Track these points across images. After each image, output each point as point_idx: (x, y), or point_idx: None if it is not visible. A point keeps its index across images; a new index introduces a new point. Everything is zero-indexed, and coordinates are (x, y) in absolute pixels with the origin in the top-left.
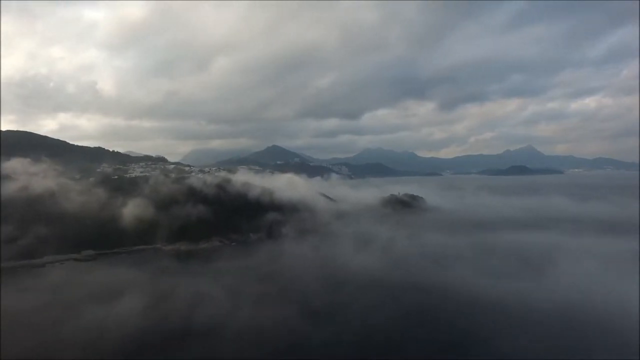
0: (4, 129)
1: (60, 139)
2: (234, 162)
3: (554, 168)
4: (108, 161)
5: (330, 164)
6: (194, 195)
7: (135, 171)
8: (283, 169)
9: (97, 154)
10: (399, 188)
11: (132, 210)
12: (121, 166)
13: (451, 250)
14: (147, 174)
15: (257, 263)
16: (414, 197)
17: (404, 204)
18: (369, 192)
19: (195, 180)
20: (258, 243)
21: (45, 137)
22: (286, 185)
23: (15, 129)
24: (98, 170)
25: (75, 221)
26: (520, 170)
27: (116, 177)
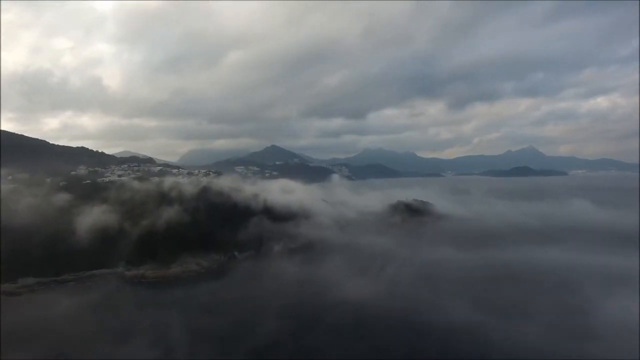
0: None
1: (40, 138)
2: (231, 162)
3: (557, 169)
4: (87, 163)
5: (330, 165)
6: (170, 203)
7: (113, 174)
8: (282, 169)
9: (77, 155)
10: (404, 192)
11: (91, 223)
12: (99, 168)
13: (459, 271)
14: (125, 178)
15: (231, 292)
16: (423, 203)
17: (413, 211)
18: (374, 197)
19: (175, 184)
20: (243, 264)
21: (21, 136)
22: (281, 191)
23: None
24: (72, 173)
25: (16, 239)
26: (523, 171)
27: (88, 181)
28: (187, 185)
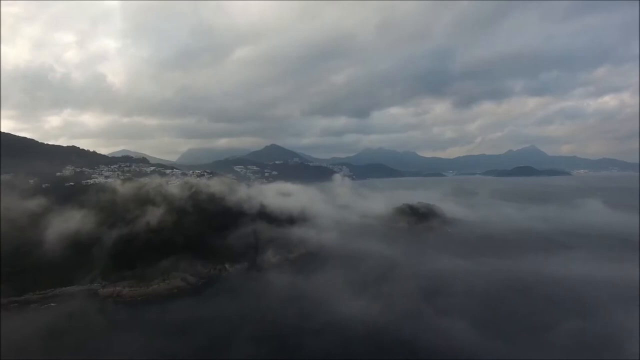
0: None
1: (29, 137)
2: (231, 162)
3: (560, 169)
4: (76, 163)
5: (330, 164)
6: (154, 209)
7: (101, 175)
8: (281, 169)
9: (67, 155)
10: (408, 193)
11: (63, 231)
12: (87, 169)
13: (466, 284)
14: (111, 179)
15: (212, 312)
16: (429, 206)
17: (419, 215)
18: (377, 199)
19: (160, 187)
20: (233, 278)
21: (8, 135)
22: (279, 194)
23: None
24: (58, 174)
25: None
26: (525, 171)
27: (71, 183)
28: (176, 187)
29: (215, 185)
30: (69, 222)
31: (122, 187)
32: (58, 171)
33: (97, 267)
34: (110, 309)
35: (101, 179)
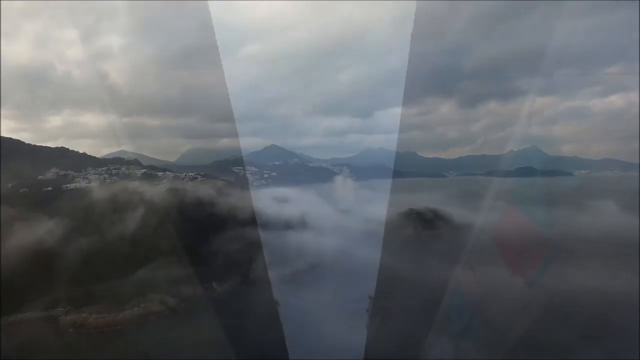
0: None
1: (14, 138)
2: (230, 162)
3: (561, 169)
4: (62, 165)
5: (330, 165)
6: (132, 217)
7: (86, 178)
8: (281, 170)
9: (54, 157)
10: (412, 196)
11: (25, 245)
12: (73, 172)
13: (475, 301)
14: (94, 183)
15: (183, 342)
16: (435, 212)
17: (427, 222)
18: (381, 204)
19: (139, 193)
20: (222, 299)
21: None
22: (277, 199)
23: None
24: (40, 177)
25: None
26: (527, 171)
27: (50, 188)
28: (163, 192)
29: (206, 189)
30: (33, 233)
31: (99, 192)
32: (41, 174)
33: (61, 286)
34: (69, 341)
35: (84, 183)
